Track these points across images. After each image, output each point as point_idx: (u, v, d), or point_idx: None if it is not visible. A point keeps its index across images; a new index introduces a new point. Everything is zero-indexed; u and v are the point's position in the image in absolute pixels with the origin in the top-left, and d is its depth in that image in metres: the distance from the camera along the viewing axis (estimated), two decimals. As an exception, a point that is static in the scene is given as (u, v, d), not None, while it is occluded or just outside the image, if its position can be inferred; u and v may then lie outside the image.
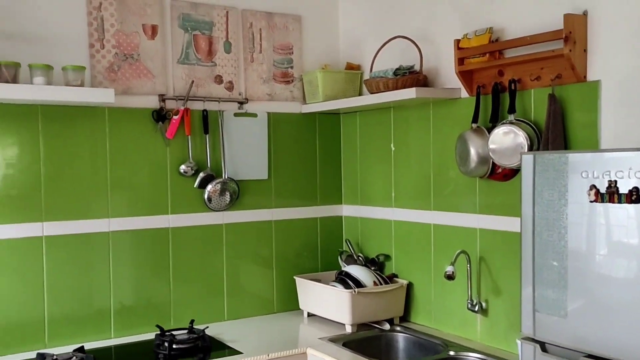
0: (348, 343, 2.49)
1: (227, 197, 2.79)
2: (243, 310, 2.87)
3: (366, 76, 2.83)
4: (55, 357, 2.25)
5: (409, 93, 2.43)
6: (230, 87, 2.80)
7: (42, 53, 2.38)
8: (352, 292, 2.59)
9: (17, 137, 2.38)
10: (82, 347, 2.37)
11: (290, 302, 2.96)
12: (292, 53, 2.95)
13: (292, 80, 2.96)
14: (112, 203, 2.57)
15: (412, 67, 2.55)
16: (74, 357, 2.27)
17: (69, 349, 2.36)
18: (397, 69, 2.53)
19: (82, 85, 2.34)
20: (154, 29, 2.61)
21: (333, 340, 2.52)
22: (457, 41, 2.36)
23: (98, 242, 2.55)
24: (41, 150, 2.42)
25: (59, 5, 2.44)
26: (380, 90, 2.58)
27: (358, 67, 2.96)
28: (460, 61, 2.36)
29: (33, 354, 2.31)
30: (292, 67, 2.96)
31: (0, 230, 2.35)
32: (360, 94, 2.93)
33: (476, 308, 2.41)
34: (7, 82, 2.21)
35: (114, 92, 2.35)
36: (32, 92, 2.22)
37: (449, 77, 2.50)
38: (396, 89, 2.51)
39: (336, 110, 2.94)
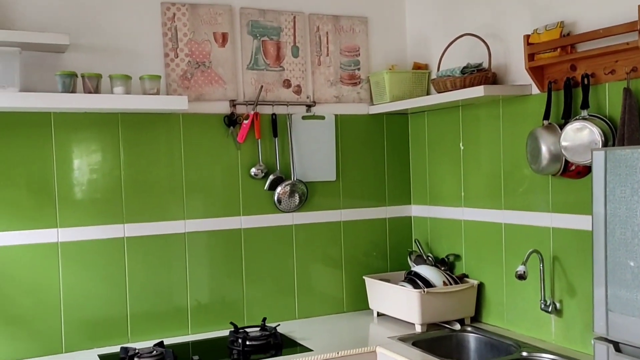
0: (418, 342, 2.49)
1: (297, 198, 2.84)
2: (313, 309, 2.92)
3: (433, 75, 2.81)
4: (137, 351, 2.38)
5: (477, 91, 2.40)
6: (298, 90, 2.86)
7: (121, 64, 2.52)
8: (421, 292, 2.59)
9: (100, 144, 2.54)
10: (162, 342, 2.48)
11: (359, 302, 2.98)
12: (359, 55, 2.98)
13: (359, 82, 2.99)
14: (188, 205, 2.68)
15: (480, 64, 2.52)
16: (155, 352, 2.38)
17: (150, 343, 2.48)
18: (464, 67, 2.51)
19: (157, 93, 2.47)
20: (225, 37, 2.71)
21: (403, 339, 2.52)
22: (527, 37, 2.31)
23: (175, 242, 2.66)
24: (121, 156, 2.56)
25: (136, 18, 2.58)
26: (447, 89, 2.57)
27: (425, 67, 2.94)
28: (531, 57, 2.31)
29: (117, 348, 2.45)
30: (358, 69, 2.98)
31: (87, 232, 2.50)
32: (427, 94, 2.91)
33: (550, 309, 2.34)
34: (90, 92, 2.36)
35: (187, 99, 2.46)
36: (113, 101, 2.36)
37: (519, 74, 2.45)
38: (464, 87, 2.48)
39: (404, 110, 2.94)
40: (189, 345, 2.58)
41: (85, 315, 2.50)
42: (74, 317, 2.48)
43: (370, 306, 2.91)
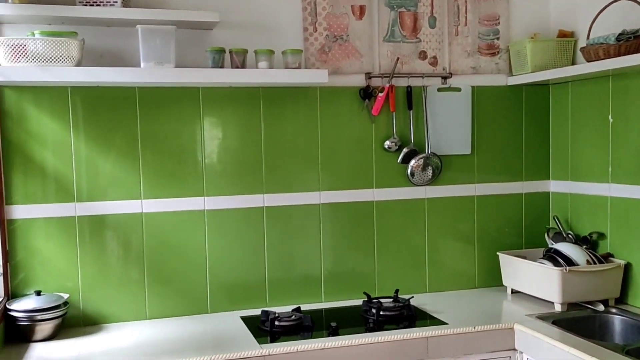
0: (558, 321, 2.41)
1: (430, 172, 2.82)
2: (444, 283, 2.91)
3: (582, 44, 2.65)
4: (277, 314, 2.49)
5: (636, 59, 2.24)
6: (434, 62, 2.81)
7: (263, 39, 2.61)
8: (562, 270, 2.49)
9: (243, 118, 2.64)
10: (299, 307, 2.59)
11: (492, 278, 2.93)
12: (499, 24, 2.87)
13: (498, 52, 2.89)
14: (322, 177, 2.75)
15: (637, 31, 2.33)
16: (294, 316, 2.49)
17: (286, 308, 2.59)
18: (620, 34, 2.34)
19: (299, 67, 2.53)
20: (362, 9, 2.71)
21: (542, 317, 2.45)
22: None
23: (310, 213, 2.74)
24: (262, 129, 2.66)
25: (278, -6, 2.65)
26: (599, 57, 2.41)
27: (571, 35, 2.78)
28: (698, 21, 2.12)
29: (257, 311, 2.59)
30: (498, 39, 2.88)
31: (231, 201, 2.64)
32: (572, 63, 2.76)
33: None
34: (237, 67, 2.47)
35: (327, 73, 2.50)
36: (259, 75, 2.46)
37: (681, 40, 2.26)
38: (618, 55, 2.32)
39: (545, 81, 2.80)
40: (322, 312, 2.67)
41: (228, 279, 2.66)
42: (217, 280, 2.64)
43: (504, 283, 2.85)
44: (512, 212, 2.98)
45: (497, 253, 2.86)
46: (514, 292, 2.81)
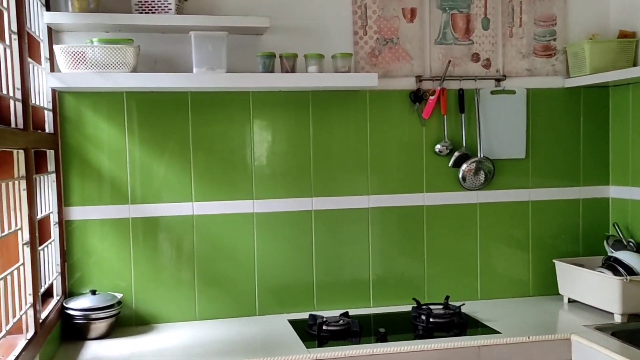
0: (618, 333, 2.31)
1: (482, 176, 2.76)
2: (497, 291, 2.84)
3: (644, 44, 2.55)
4: (325, 319, 2.48)
5: None
6: (487, 64, 2.76)
7: (312, 43, 2.61)
8: (623, 279, 2.39)
9: (292, 121, 2.65)
10: (347, 312, 2.57)
11: (547, 287, 2.84)
12: (555, 24, 2.79)
13: (555, 54, 2.80)
14: (371, 181, 2.72)
15: None
16: (341, 321, 2.48)
17: (334, 313, 2.58)
18: (685, 34, 2.24)
19: (349, 71, 2.52)
20: (413, 12, 2.68)
21: (600, 328, 2.36)
22: None
23: (359, 217, 2.72)
24: (311, 132, 2.67)
25: (328, -1, 2.65)
26: (663, 58, 2.31)
27: (633, 35, 2.67)
28: None
29: (305, 315, 2.58)
30: (554, 40, 2.79)
31: (280, 204, 2.65)
32: (634, 65, 2.65)
33: None
34: (287, 71, 2.48)
35: (377, 76, 2.48)
36: (309, 79, 2.47)
37: None
38: (683, 56, 2.22)
39: (604, 83, 2.70)
40: (371, 318, 2.64)
41: (276, 281, 2.67)
42: (266, 283, 2.66)
43: (560, 291, 2.75)
44: (568, 218, 2.88)
45: (553, 260, 2.77)
46: (570, 301, 2.72)
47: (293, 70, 2.49)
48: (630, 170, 2.77)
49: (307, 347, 2.24)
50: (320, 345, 2.30)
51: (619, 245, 2.72)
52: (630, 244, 2.69)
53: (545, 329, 2.40)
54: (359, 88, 2.63)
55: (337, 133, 2.69)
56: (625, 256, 2.53)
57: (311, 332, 2.42)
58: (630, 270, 2.46)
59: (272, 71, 2.49)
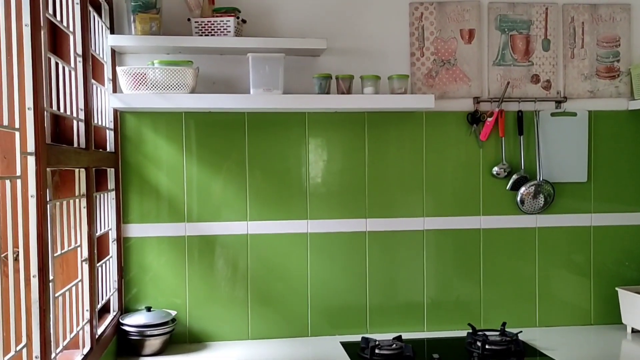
0: (686, 369, 2.21)
1: (541, 199, 2.69)
2: (555, 318, 2.75)
3: None
4: (378, 342, 2.44)
5: None
6: (547, 86, 2.69)
7: (369, 64, 2.61)
8: (691, 312, 2.28)
9: (347, 142, 2.65)
10: (400, 336, 2.53)
11: (609, 315, 2.73)
12: (619, 45, 2.70)
13: (618, 75, 2.72)
14: (427, 202, 2.69)
15: None
16: (394, 345, 2.43)
17: (386, 336, 2.53)
18: None
19: (405, 92, 2.51)
20: (471, 33, 2.65)
21: (666, 363, 2.26)
22: None
23: (413, 239, 2.69)
24: (366, 153, 2.65)
25: (385, 20, 2.64)
26: None
27: (701, 55, 2.58)
28: None
29: (357, 337, 2.55)
30: (618, 61, 2.71)
31: (334, 225, 2.64)
32: (703, 86, 2.55)
33: None
34: (342, 92, 2.48)
35: (433, 98, 2.46)
36: (365, 101, 2.46)
37: None
38: None
39: (671, 105, 2.61)
40: (425, 342, 2.60)
41: (329, 302, 2.65)
42: (318, 303, 2.64)
43: (623, 321, 2.64)
44: (632, 244, 2.77)
45: (616, 288, 2.66)
46: (634, 331, 2.60)
47: (349, 92, 2.49)
48: (699, 196, 2.66)
49: (360, 372, 2.22)
50: (373, 369, 2.28)
51: (687, 274, 2.60)
52: (700, 273, 2.57)
53: (607, 359, 2.31)
54: (415, 110, 2.60)
55: (392, 154, 2.66)
56: (694, 287, 2.42)
57: (363, 356, 2.38)
58: (700, 302, 2.34)
59: (328, 92, 2.49)
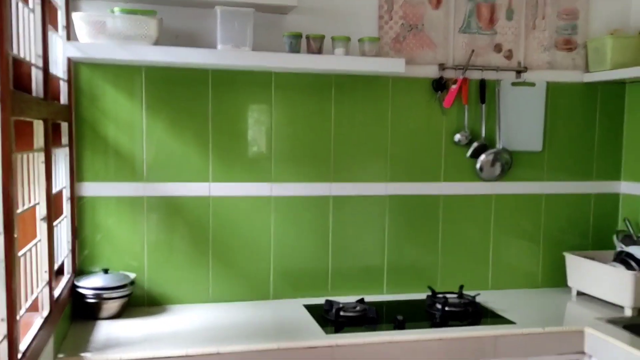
0: (629, 326, 2.34)
1: (499, 167, 2.76)
2: (507, 281, 2.86)
3: (666, 42, 2.58)
4: (342, 305, 2.46)
5: None
6: (509, 55, 2.75)
7: (337, 26, 2.57)
8: (636, 273, 2.43)
9: (313, 105, 2.60)
10: (363, 299, 2.56)
11: (556, 279, 2.87)
12: (578, 18, 2.80)
13: (575, 48, 2.81)
14: (390, 168, 2.70)
15: None
16: (358, 307, 2.46)
17: (348, 299, 2.57)
18: None
19: (376, 55, 2.48)
20: (440, -1, 2.67)
21: (612, 321, 2.39)
22: None
23: (376, 204, 2.70)
24: (332, 117, 2.63)
25: (355, -20, 2.61)
26: (689, 57, 2.34)
27: (654, 32, 2.71)
28: None
29: (320, 300, 2.56)
30: (576, 34, 2.80)
31: (298, 188, 2.61)
32: (653, 62, 2.68)
33: None
34: (313, 53, 2.43)
35: (404, 62, 2.45)
36: (337, 62, 2.41)
37: None
38: None
39: (621, 79, 2.72)
40: (386, 305, 2.63)
41: (291, 266, 2.63)
42: (281, 266, 2.62)
43: (569, 284, 2.78)
44: (579, 213, 2.91)
45: (564, 253, 2.80)
46: (579, 293, 2.75)
47: (320, 52, 2.44)
48: (643, 166, 2.82)
49: (326, 333, 2.22)
50: (338, 331, 2.28)
51: (628, 240, 2.76)
52: (640, 239, 2.74)
53: (557, 320, 2.43)
54: (385, 74, 2.59)
55: (358, 119, 2.65)
56: (637, 251, 2.57)
57: (328, 318, 2.39)
58: (642, 265, 2.50)
59: (298, 52, 2.43)
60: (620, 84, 2.86)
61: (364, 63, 2.44)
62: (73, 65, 2.37)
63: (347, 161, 2.65)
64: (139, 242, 2.48)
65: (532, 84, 2.78)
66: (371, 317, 2.41)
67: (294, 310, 2.50)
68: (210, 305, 2.53)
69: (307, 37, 2.43)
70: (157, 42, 2.31)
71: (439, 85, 2.68)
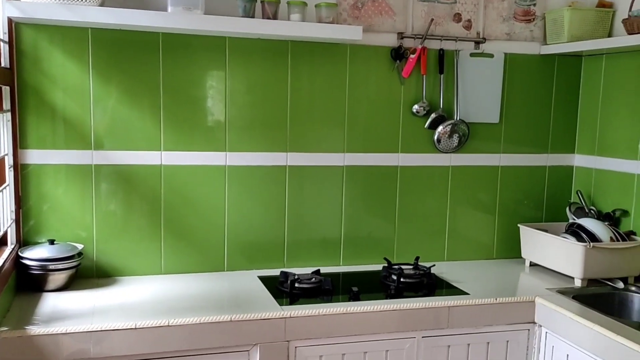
0: (578, 297, 2.38)
1: (456, 139, 2.76)
2: (463, 253, 2.88)
3: (622, 15, 2.57)
4: (297, 276, 2.43)
5: (685, 33, 2.18)
6: (468, 25, 2.72)
7: (294, -10, 2.50)
8: (586, 245, 2.47)
9: (269, 71, 2.53)
10: (318, 270, 2.54)
11: (510, 250, 2.91)
12: (537, -11, 2.79)
13: (534, 19, 2.80)
14: (348, 138, 2.66)
15: (686, 4, 2.27)
16: (314, 278, 2.44)
17: (304, 270, 2.54)
18: (669, 6, 2.28)
19: (333, 22, 2.42)
20: (400, -35, 2.61)
21: (562, 292, 2.43)
22: None
23: (333, 175, 2.67)
24: (289, 85, 2.56)
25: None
26: (644, 30, 2.35)
27: (610, 5, 2.70)
28: None
29: (275, 272, 2.53)
30: (534, 5, 2.79)
31: (253, 158, 2.55)
32: (609, 35, 2.69)
33: None
34: (268, 18, 2.35)
35: (361, 30, 2.40)
36: (292, 28, 2.34)
37: None
38: (666, 28, 2.26)
39: (578, 52, 2.73)
40: (342, 276, 2.62)
41: (246, 237, 2.59)
42: (235, 238, 2.57)
43: (523, 255, 2.82)
44: (534, 185, 2.94)
45: (518, 225, 2.82)
46: (531, 264, 2.79)
47: (275, 17, 2.36)
48: (596, 140, 2.84)
49: (280, 305, 2.19)
50: (292, 302, 2.26)
51: (580, 212, 2.80)
52: (592, 211, 2.77)
53: (510, 291, 2.45)
54: (342, 41, 2.53)
55: (315, 87, 2.59)
56: (588, 223, 2.61)
57: (283, 289, 2.37)
58: (592, 237, 2.53)
59: (252, 16, 2.35)
60: (577, 56, 2.88)
61: (320, 29, 2.37)
62: (14, 26, 2.25)
63: (304, 130, 2.60)
64: (88, 212, 2.39)
65: (491, 55, 2.77)
66: (326, 289, 2.39)
67: (248, 282, 2.47)
68: (162, 277, 2.47)
69: (262, 2, 2.35)
70: (104, 3, 2.20)
71: (398, 54, 2.64)
